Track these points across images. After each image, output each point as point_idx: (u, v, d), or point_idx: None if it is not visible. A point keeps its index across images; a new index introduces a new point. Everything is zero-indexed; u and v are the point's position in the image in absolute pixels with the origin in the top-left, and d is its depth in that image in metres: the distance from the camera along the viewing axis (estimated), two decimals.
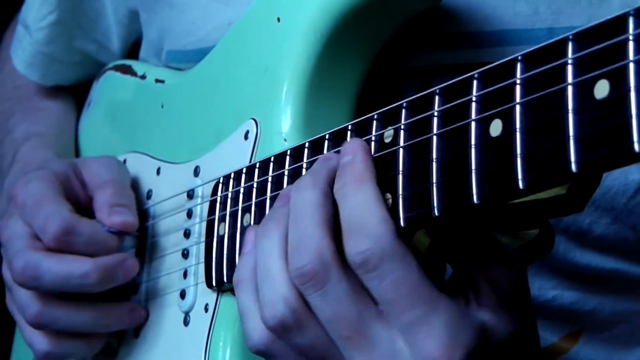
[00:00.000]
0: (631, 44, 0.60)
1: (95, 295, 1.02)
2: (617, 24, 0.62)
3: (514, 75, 0.68)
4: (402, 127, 0.76)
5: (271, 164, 0.89)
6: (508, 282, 0.77)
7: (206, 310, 0.97)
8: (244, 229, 0.91)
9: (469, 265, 0.77)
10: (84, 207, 1.05)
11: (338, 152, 0.80)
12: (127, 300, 1.06)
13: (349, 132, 0.82)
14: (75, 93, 1.34)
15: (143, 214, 1.09)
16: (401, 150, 0.76)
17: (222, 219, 0.94)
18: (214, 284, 0.95)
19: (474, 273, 0.77)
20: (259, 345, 0.79)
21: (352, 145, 0.77)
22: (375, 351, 0.73)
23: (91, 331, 1.04)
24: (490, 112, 0.69)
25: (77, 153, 1.29)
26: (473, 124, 0.70)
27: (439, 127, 0.73)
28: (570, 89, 0.64)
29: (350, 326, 0.74)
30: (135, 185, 1.12)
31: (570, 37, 0.65)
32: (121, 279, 1.01)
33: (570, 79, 0.64)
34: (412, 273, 0.73)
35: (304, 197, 0.77)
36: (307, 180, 0.78)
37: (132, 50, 1.26)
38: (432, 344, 0.72)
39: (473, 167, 0.70)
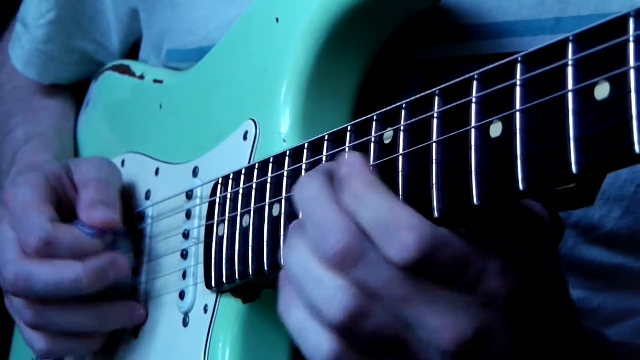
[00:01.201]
0: (631, 45, 0.60)
1: (94, 294, 1.02)
2: (617, 25, 0.62)
3: (514, 76, 0.68)
4: (402, 128, 0.76)
5: (270, 164, 0.89)
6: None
7: (205, 310, 0.97)
8: (243, 230, 0.91)
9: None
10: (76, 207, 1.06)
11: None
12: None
13: (348, 133, 0.82)
14: (73, 91, 1.33)
15: (141, 214, 1.09)
16: (401, 151, 0.76)
17: (221, 220, 0.94)
18: (213, 284, 0.95)
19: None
20: (332, 355, 0.74)
21: (349, 156, 0.76)
22: (440, 297, 0.71)
23: (89, 330, 1.04)
24: (490, 113, 0.69)
25: (76, 153, 1.29)
26: (473, 125, 0.70)
27: (438, 128, 0.73)
28: (570, 90, 0.64)
29: (404, 283, 0.71)
30: (133, 185, 1.12)
31: (571, 38, 0.65)
32: (113, 278, 1.01)
33: (570, 80, 0.64)
34: (465, 246, 0.71)
35: (306, 191, 0.75)
36: (304, 178, 0.77)
37: (131, 51, 1.26)
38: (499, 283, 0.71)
39: (473, 168, 0.70)
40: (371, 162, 0.78)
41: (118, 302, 1.04)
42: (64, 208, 1.05)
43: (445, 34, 0.94)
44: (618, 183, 0.93)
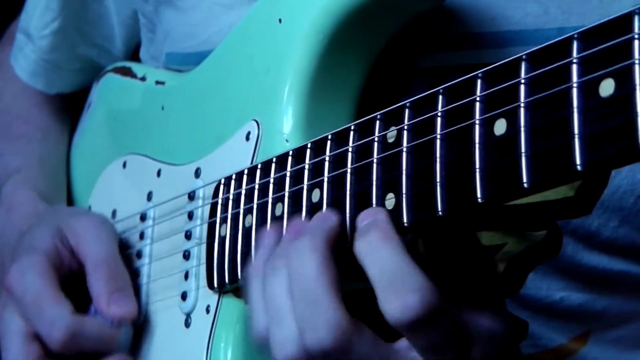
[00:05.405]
0: (636, 43, 0.61)
1: None
2: (622, 23, 0.62)
3: (518, 74, 0.68)
4: (406, 127, 0.76)
5: (273, 164, 0.89)
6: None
7: (207, 311, 0.97)
8: (245, 230, 0.91)
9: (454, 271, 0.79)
10: (76, 274, 1.05)
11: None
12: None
13: (351, 132, 0.82)
14: (74, 95, 1.33)
15: (142, 216, 1.09)
16: (405, 150, 0.76)
17: (223, 220, 0.94)
18: (215, 285, 0.95)
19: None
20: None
21: (371, 211, 0.77)
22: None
23: None
24: (495, 111, 0.69)
25: (77, 156, 1.29)
26: (477, 123, 0.70)
27: (442, 127, 0.73)
28: (575, 87, 0.64)
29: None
30: (135, 188, 1.12)
31: (575, 36, 0.65)
32: None
33: (575, 77, 0.64)
34: (458, 326, 0.75)
35: (303, 262, 0.77)
36: (305, 243, 0.77)
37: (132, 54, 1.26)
38: None
39: (477, 166, 0.70)
40: (375, 162, 0.78)
41: None
42: (64, 277, 1.05)
43: (448, 42, 0.94)
44: (618, 194, 0.93)
